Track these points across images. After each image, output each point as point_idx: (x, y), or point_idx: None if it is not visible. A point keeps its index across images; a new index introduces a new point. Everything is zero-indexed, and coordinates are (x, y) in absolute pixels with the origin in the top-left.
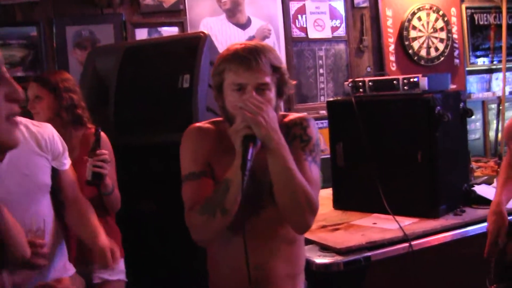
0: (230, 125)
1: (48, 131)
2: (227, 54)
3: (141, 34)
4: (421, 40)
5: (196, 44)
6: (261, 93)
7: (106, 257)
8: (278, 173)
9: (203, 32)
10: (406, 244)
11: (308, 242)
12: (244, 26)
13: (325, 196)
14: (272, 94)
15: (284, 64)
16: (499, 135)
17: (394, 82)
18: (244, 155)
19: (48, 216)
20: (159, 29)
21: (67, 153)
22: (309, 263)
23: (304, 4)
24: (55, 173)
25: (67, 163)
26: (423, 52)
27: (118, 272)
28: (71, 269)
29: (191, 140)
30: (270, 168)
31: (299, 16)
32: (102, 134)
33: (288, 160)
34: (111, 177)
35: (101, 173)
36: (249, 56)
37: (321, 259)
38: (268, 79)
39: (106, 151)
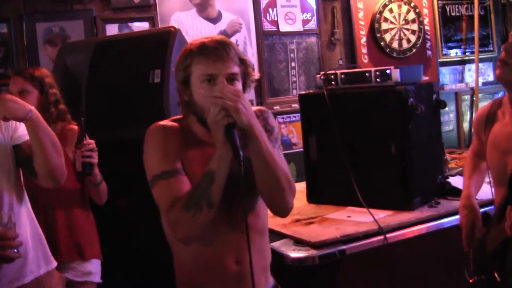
0: (198, 119)
1: None
2: (193, 47)
3: (112, 29)
4: (393, 32)
5: (166, 38)
6: (231, 84)
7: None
8: (261, 157)
9: (173, 27)
10: (381, 237)
11: (282, 236)
12: (214, 20)
13: (299, 189)
14: (240, 85)
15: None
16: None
17: (366, 74)
18: (234, 144)
19: (20, 207)
20: (129, 24)
21: (20, 124)
22: (283, 257)
23: None
24: (19, 148)
25: (25, 133)
26: (395, 44)
27: (85, 273)
28: (53, 262)
29: (158, 139)
30: (252, 154)
31: (270, 10)
32: None
33: (268, 144)
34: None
35: (91, 162)
36: (218, 47)
37: (295, 253)
38: (237, 69)
39: (93, 140)
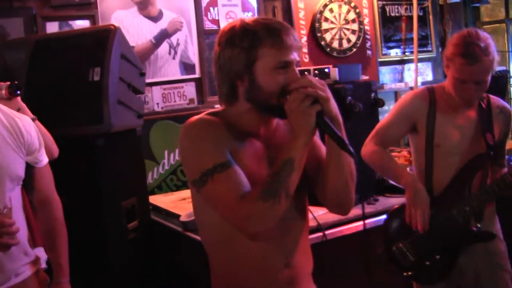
0: (256, 106)
1: (26, 124)
2: (259, 29)
3: (52, 27)
4: (333, 31)
5: (106, 37)
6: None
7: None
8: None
9: (113, 25)
10: (320, 234)
11: None
12: (155, 19)
13: None
14: None
15: None
16: None
17: (306, 73)
18: (332, 130)
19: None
20: (70, 22)
21: (43, 150)
22: None
23: None
24: (29, 169)
25: (43, 160)
26: (335, 44)
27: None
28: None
29: (204, 132)
30: (335, 146)
31: (211, 9)
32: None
33: None
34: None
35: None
36: (291, 32)
37: None
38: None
39: None
